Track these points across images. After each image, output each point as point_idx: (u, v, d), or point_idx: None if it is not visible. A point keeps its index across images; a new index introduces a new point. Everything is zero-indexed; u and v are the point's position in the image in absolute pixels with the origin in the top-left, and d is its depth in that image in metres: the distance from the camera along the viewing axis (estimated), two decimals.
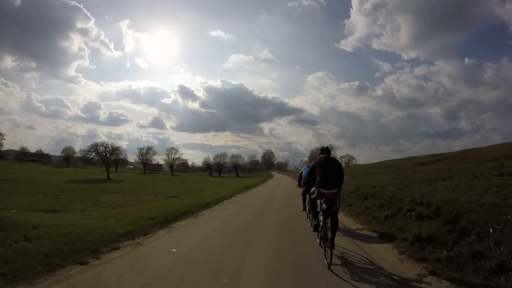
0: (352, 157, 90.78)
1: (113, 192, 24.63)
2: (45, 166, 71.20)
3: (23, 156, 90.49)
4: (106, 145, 46.38)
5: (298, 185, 8.92)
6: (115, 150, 46.54)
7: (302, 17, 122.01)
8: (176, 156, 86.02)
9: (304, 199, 8.31)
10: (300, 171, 9.00)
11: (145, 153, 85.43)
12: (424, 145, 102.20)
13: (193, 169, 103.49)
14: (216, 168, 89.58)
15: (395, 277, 3.70)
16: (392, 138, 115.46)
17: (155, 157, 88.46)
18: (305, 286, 3.50)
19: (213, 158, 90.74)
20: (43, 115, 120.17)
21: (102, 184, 33.96)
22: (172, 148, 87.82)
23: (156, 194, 22.96)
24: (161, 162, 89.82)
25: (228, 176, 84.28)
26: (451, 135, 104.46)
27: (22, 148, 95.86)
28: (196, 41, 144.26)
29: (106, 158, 45.40)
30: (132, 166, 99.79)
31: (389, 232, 5.91)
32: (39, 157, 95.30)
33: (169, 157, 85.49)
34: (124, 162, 76.51)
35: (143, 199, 19.86)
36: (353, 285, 3.44)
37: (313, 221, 5.74)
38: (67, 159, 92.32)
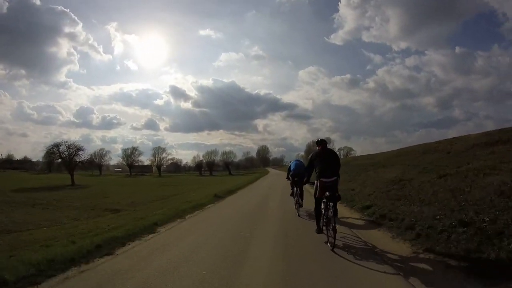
0: (351, 149, 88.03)
1: (43, 203, 18.32)
2: (20, 173, 64.95)
3: (7, 163, 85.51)
4: (70, 145, 39.26)
5: (286, 178, 9.20)
6: (78, 151, 39.37)
7: (290, 13, 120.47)
8: (163, 155, 78.86)
9: (292, 187, 8.64)
10: (289, 165, 9.25)
11: (130, 154, 79.00)
12: (419, 135, 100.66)
13: (185, 169, 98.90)
14: (207, 167, 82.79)
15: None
16: (387, 129, 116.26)
17: (143, 158, 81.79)
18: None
19: (203, 156, 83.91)
20: (36, 122, 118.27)
21: (53, 192, 27.54)
22: (159, 148, 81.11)
23: (93, 207, 16.63)
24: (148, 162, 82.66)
25: (220, 174, 77.90)
26: (445, 124, 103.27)
27: (8, 155, 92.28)
28: (185, 41, 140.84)
29: (69, 160, 38.47)
30: (120, 169, 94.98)
31: None
32: (22, 164, 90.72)
33: (155, 157, 78.73)
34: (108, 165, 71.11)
35: (64, 215, 13.66)
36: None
37: (316, 228, 5.64)
38: (49, 164, 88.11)
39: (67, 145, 38.65)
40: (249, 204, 11.52)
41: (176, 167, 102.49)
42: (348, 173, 16.81)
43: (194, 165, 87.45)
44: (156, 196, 22.49)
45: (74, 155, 38.62)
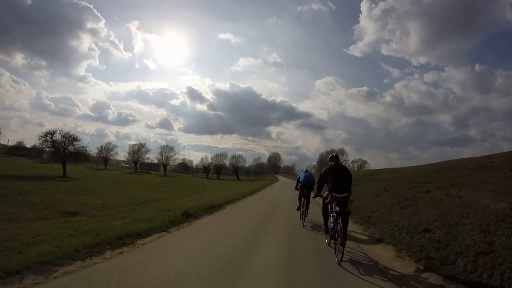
0: (365, 162, 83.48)
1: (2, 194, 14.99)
2: (24, 160, 63.53)
3: (15, 150, 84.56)
4: (65, 134, 36.26)
5: (295, 188, 9.28)
6: (73, 140, 36.20)
7: (311, 21, 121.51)
8: (171, 154, 75.88)
9: (300, 199, 8.65)
10: (298, 176, 9.36)
11: (137, 150, 76.59)
12: (433, 152, 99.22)
13: (194, 170, 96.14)
14: (214, 170, 79.09)
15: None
16: (401, 145, 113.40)
17: (151, 155, 79.31)
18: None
19: (212, 159, 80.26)
20: (53, 113, 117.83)
21: (35, 182, 24.42)
22: (167, 147, 78.21)
23: (51, 206, 13.07)
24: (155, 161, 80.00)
25: (228, 179, 74.07)
26: (461, 143, 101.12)
27: (18, 142, 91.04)
28: (205, 43, 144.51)
29: (63, 151, 35.44)
30: (127, 165, 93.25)
31: None
32: (30, 152, 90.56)
33: (162, 156, 75.79)
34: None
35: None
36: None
37: (323, 227, 5.86)
38: (40, 152, 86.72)
39: (62, 134, 35.66)
40: (246, 221, 8.59)
41: (185, 167, 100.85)
42: (380, 193, 12.26)
43: (202, 167, 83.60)
44: (137, 199, 18.73)
45: (68, 145, 35.55)
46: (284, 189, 27.15)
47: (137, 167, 78.60)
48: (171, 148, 77.90)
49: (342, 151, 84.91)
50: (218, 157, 79.24)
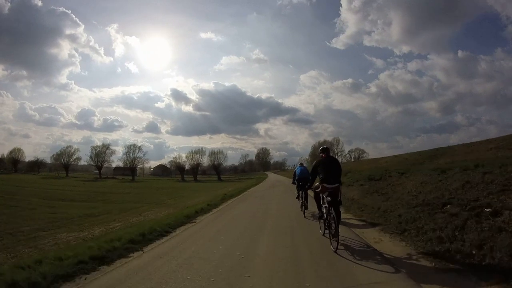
0: (363, 151, 78.10)
1: None
2: None
3: None
4: None
5: (292, 183, 9.43)
6: None
7: (292, 16, 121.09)
8: (138, 155, 64.97)
9: (298, 191, 8.95)
10: (294, 170, 9.52)
11: (99, 153, 65.39)
12: (421, 140, 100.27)
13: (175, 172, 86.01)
14: (191, 171, 68.58)
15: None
16: (389, 134, 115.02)
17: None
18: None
19: (186, 157, 69.54)
20: (38, 123, 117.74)
21: None
22: (133, 146, 67.16)
23: None
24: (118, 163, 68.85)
25: (208, 179, 64.16)
26: (448, 129, 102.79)
27: None
28: (186, 43, 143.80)
29: None
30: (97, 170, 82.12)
31: None
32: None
33: (128, 157, 64.86)
34: None
35: None
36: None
37: (318, 212, 5.93)
38: (15, 163, 76.46)
39: None
40: None
41: (164, 169, 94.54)
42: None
43: (175, 168, 73.06)
44: None
45: None
46: (279, 189, 17.76)
47: (105, 172, 67.67)
48: (139, 148, 66.85)
49: (337, 141, 79.43)
50: (193, 154, 68.21)
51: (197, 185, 45.39)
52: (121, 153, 68.30)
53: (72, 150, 71.93)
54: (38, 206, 19.71)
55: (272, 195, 14.94)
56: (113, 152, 68.00)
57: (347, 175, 18.89)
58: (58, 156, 72.40)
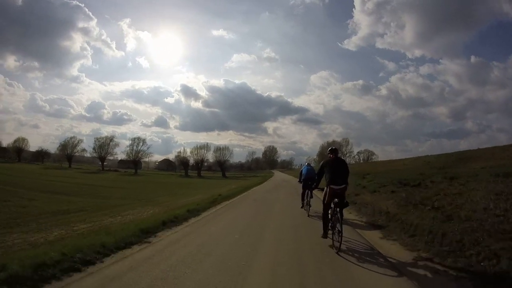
0: (372, 153, 74.82)
1: None
2: None
3: None
4: None
5: (298, 181, 9.46)
6: None
7: (304, 15, 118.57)
8: (142, 148, 62.99)
9: (303, 195, 8.96)
10: (301, 170, 9.60)
11: (103, 144, 63.80)
12: (430, 145, 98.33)
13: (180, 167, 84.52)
14: (196, 166, 66.19)
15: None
16: (397, 138, 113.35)
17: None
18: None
19: (191, 152, 67.18)
20: (48, 114, 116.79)
21: None
22: (138, 138, 65.22)
23: None
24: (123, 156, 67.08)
25: (212, 176, 61.75)
26: (457, 135, 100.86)
27: None
28: (198, 40, 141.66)
29: None
30: (105, 163, 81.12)
31: None
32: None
33: (132, 149, 63.00)
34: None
35: None
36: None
37: (322, 233, 5.34)
38: (19, 152, 76.14)
39: None
40: None
41: (169, 164, 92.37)
42: None
43: (179, 163, 70.84)
44: None
45: None
46: (286, 191, 15.04)
47: (111, 164, 66.23)
48: (143, 140, 64.90)
49: (347, 142, 76.68)
50: (198, 150, 65.85)
51: (199, 182, 43.09)
52: (125, 146, 66.53)
53: (76, 141, 70.74)
54: (14, 198, 17.66)
55: (275, 200, 12.22)
56: (116, 145, 66.45)
57: (366, 178, 16.11)
58: (63, 147, 71.38)
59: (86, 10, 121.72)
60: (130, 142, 65.39)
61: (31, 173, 40.37)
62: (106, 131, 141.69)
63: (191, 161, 66.35)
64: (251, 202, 11.66)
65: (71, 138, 71.76)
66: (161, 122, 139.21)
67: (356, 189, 11.85)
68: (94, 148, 65.29)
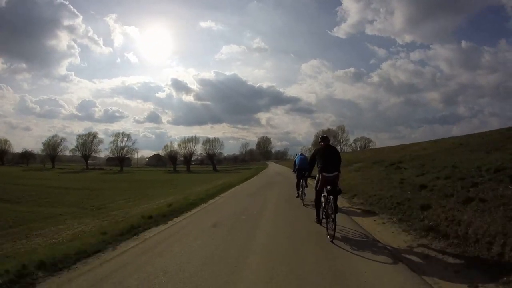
0: (369, 140, 72.15)
1: None
2: None
3: None
4: None
5: (292, 171, 9.52)
6: None
7: (292, 3, 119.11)
8: (127, 144, 58.98)
9: (298, 184, 9.04)
10: (294, 159, 9.78)
11: (86, 142, 59.81)
12: (423, 131, 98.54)
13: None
14: (184, 161, 62.39)
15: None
16: (390, 125, 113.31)
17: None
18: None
19: (178, 146, 63.05)
20: (39, 116, 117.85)
21: None
22: (121, 134, 61.09)
23: None
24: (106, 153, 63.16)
25: (203, 170, 58.22)
26: (450, 120, 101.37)
27: None
28: (186, 33, 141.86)
29: None
30: (93, 161, 77.82)
31: None
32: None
33: (116, 146, 58.97)
34: None
35: None
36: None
37: (316, 219, 5.67)
38: (2, 155, 72.31)
39: None
40: None
41: (159, 159, 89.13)
42: None
43: (167, 157, 67.07)
44: None
45: None
46: (277, 190, 11.50)
47: (99, 162, 62.42)
48: (128, 136, 60.79)
49: (342, 129, 74.23)
50: (186, 143, 61.59)
51: (185, 177, 39.59)
52: (109, 142, 62.38)
53: (59, 140, 66.70)
54: None
55: (266, 201, 8.82)
56: (100, 141, 62.41)
57: (382, 163, 12.43)
58: (46, 147, 67.44)
59: (71, 7, 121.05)
60: (114, 138, 61.14)
61: (2, 176, 36.74)
62: (99, 129, 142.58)
63: (179, 155, 62.41)
64: (235, 205, 8.13)
65: (53, 137, 67.84)
66: (153, 118, 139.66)
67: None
68: (76, 146, 61.23)
